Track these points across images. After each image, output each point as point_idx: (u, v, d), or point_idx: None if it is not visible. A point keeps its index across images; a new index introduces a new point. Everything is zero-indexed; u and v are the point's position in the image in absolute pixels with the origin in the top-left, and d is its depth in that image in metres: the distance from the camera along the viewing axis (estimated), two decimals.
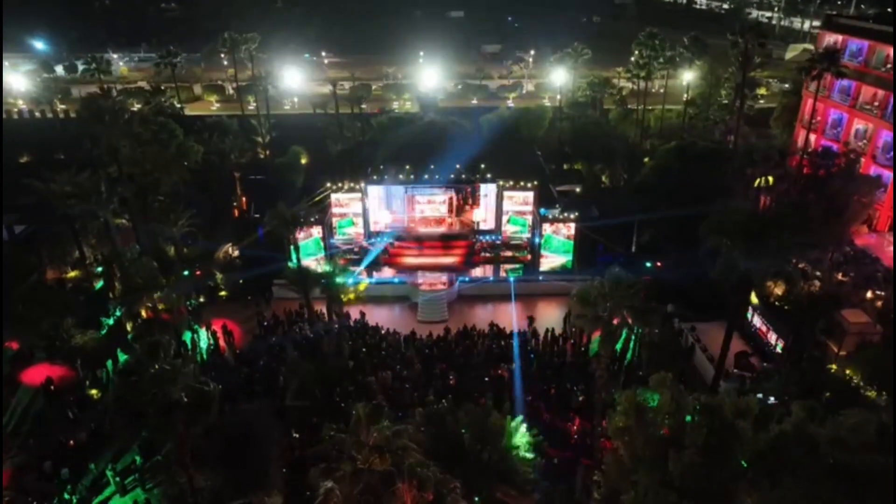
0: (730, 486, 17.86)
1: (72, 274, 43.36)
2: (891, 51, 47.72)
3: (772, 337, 35.33)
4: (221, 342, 37.43)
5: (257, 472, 17.65)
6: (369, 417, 14.77)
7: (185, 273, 40.65)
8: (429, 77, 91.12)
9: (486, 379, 33.07)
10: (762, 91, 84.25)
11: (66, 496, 26.22)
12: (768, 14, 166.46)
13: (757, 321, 36.86)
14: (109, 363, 34.16)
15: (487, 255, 47.14)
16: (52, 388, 32.81)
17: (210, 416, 17.33)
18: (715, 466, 17.58)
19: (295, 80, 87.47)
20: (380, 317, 40.47)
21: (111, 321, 38.37)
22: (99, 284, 42.30)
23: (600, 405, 26.11)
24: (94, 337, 33.54)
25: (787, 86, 77.63)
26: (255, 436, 18.69)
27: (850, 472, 17.36)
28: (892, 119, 46.74)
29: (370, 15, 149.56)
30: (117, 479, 27.47)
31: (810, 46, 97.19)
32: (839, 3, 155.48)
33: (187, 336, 37.28)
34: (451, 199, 47.93)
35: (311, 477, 15.18)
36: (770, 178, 41.32)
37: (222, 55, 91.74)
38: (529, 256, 46.74)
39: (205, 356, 36.36)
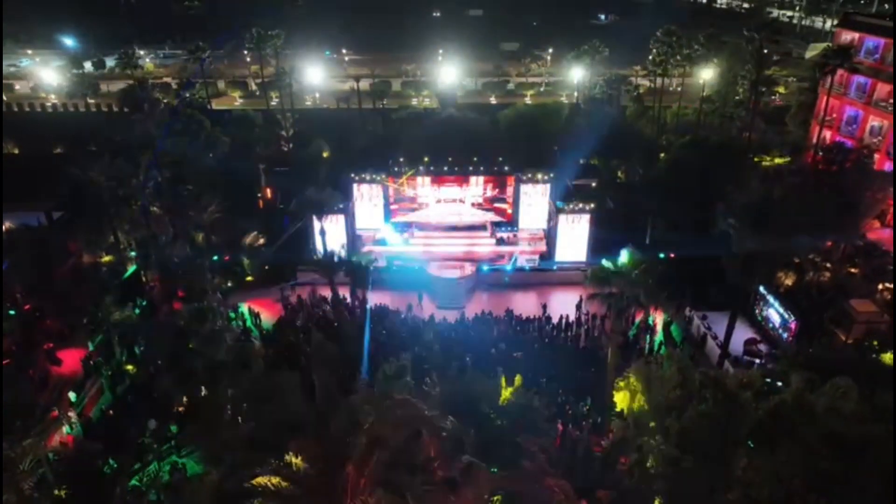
0: (728, 450, 19.01)
1: (106, 259, 45.37)
2: None
3: (779, 324, 36.20)
4: (249, 324, 39.14)
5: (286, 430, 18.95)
6: (395, 374, 16.13)
7: (214, 258, 42.49)
8: (448, 74, 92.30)
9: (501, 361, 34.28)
10: (780, 89, 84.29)
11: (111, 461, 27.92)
12: (790, 13, 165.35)
13: (766, 309, 37.74)
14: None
15: (504, 245, 48.45)
16: (92, 363, 34.79)
17: (251, 374, 18.84)
18: (715, 432, 18.75)
19: (316, 76, 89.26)
20: (400, 302, 41.90)
21: (145, 302, 40.37)
22: (132, 269, 44.29)
23: (610, 384, 27.19)
24: (130, 315, 35.50)
25: (805, 84, 77.66)
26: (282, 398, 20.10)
27: (844, 439, 18.47)
28: None
29: (390, 13, 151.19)
30: (154, 445, 29.27)
31: (831, 45, 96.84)
32: (862, 2, 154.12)
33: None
34: (468, 190, 49.22)
35: (336, 426, 16.17)
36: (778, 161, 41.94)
37: (245, 52, 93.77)
38: (545, 247, 47.99)
39: None
